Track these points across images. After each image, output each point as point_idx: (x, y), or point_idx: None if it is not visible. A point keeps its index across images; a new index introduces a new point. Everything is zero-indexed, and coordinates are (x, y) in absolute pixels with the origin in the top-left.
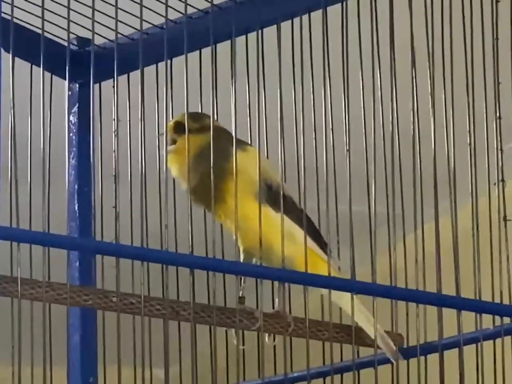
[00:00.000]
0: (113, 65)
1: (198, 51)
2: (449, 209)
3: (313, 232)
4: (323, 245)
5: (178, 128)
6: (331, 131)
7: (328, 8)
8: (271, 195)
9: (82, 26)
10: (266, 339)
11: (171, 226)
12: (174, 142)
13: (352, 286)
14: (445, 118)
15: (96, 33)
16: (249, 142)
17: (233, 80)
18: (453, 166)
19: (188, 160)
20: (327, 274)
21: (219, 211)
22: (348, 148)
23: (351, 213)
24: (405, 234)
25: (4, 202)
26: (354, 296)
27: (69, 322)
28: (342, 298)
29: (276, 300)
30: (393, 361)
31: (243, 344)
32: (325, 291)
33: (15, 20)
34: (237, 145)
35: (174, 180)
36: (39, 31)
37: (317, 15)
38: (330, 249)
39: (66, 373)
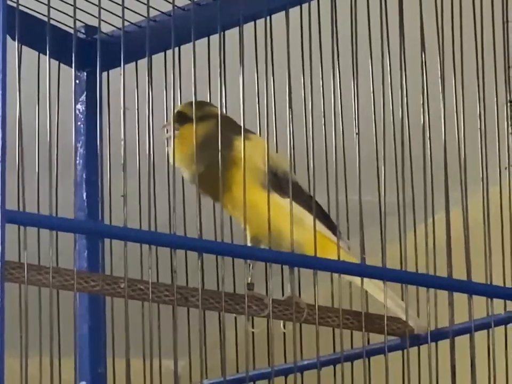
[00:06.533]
0: (120, 53)
1: (206, 38)
2: (460, 194)
3: (322, 215)
4: (332, 227)
5: (180, 118)
6: (340, 118)
7: None
8: (277, 181)
9: (89, 13)
10: (282, 326)
11: (179, 212)
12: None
13: (362, 270)
14: (455, 103)
15: (103, 21)
16: (258, 130)
17: (241, 67)
18: (463, 151)
19: (191, 149)
20: (336, 257)
21: (225, 200)
22: (357, 131)
23: (360, 200)
24: (415, 224)
25: (11, 192)
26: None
27: (77, 312)
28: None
29: (288, 286)
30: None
31: (253, 332)
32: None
33: (21, 8)
34: (239, 133)
35: None
36: (46, 19)
37: (325, 0)
38: (340, 231)
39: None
